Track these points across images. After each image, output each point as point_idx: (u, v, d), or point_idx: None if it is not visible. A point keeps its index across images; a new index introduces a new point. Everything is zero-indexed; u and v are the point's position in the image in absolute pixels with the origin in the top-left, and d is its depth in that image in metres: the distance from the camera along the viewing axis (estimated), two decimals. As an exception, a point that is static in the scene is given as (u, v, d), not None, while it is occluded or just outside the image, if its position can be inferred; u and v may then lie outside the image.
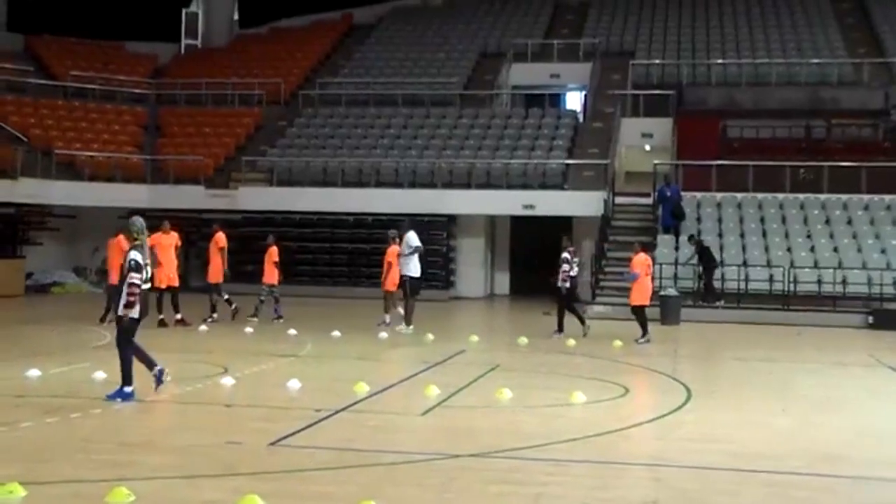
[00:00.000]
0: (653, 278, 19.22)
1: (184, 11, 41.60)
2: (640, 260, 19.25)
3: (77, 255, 31.15)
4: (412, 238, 19.10)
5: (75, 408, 10.77)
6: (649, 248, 19.98)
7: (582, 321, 19.25)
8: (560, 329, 19.18)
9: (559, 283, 19.30)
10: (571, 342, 18.27)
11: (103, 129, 33.30)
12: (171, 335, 18.45)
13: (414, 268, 19.09)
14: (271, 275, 21.16)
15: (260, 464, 8.59)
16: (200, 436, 9.62)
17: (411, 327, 18.86)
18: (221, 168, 31.77)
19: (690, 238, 24.89)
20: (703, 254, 24.18)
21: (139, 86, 36.11)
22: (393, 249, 20.51)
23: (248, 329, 18.97)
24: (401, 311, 19.72)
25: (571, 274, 19.27)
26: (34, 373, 12.43)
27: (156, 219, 24.99)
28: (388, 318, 20.19)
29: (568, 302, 19.38)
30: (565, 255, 19.27)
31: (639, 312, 19.01)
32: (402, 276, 19.21)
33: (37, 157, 29.41)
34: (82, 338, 17.65)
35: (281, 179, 30.45)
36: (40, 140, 30.83)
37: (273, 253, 21.25)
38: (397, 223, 21.32)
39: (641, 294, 19.10)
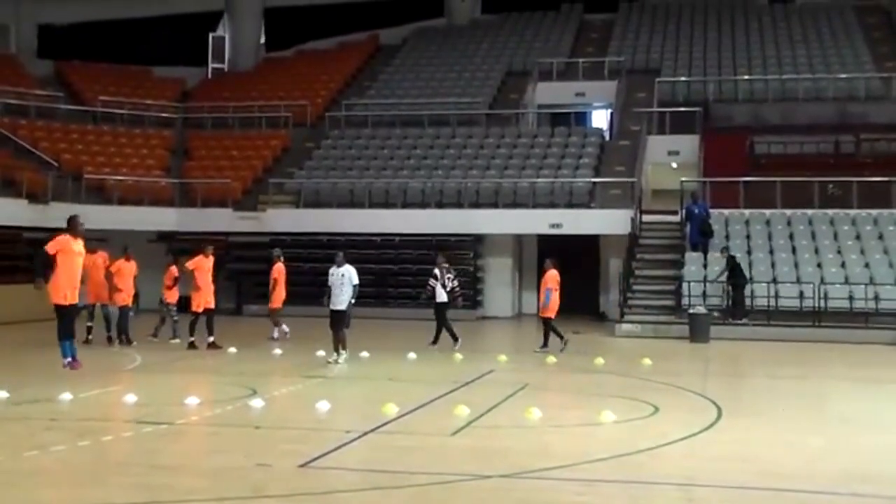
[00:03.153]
0: (562, 295, 20.14)
1: (210, 36, 41.98)
2: (552, 276, 19.92)
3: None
4: (353, 276, 17.83)
5: (107, 431, 10.83)
6: (557, 264, 20.41)
7: (435, 340, 19.92)
8: (455, 339, 19.69)
9: (426, 296, 20.36)
10: (600, 361, 18.21)
11: (132, 153, 33.60)
12: (202, 357, 18.55)
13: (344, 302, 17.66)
14: (172, 294, 20.90)
15: (290, 486, 8.58)
16: (231, 458, 9.63)
17: (345, 353, 17.55)
18: (249, 190, 31.94)
19: (723, 250, 24.56)
20: (735, 270, 23.97)
21: (167, 110, 36.42)
22: (278, 267, 21.24)
23: (277, 351, 19.01)
24: (285, 328, 20.70)
25: (453, 286, 20.29)
26: (66, 396, 12.49)
27: (185, 241, 25.30)
28: (276, 332, 20.88)
29: (441, 314, 20.07)
30: (436, 270, 20.21)
31: (547, 323, 19.87)
32: (331, 310, 17.63)
33: (67, 182, 29.71)
34: (114, 361, 17.76)
35: (308, 201, 30.58)
36: (71, 165, 31.17)
37: (172, 272, 20.92)
38: (423, 241, 21.41)
39: (551, 307, 19.87)
